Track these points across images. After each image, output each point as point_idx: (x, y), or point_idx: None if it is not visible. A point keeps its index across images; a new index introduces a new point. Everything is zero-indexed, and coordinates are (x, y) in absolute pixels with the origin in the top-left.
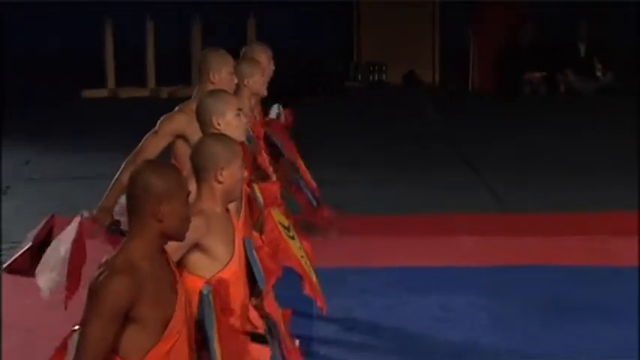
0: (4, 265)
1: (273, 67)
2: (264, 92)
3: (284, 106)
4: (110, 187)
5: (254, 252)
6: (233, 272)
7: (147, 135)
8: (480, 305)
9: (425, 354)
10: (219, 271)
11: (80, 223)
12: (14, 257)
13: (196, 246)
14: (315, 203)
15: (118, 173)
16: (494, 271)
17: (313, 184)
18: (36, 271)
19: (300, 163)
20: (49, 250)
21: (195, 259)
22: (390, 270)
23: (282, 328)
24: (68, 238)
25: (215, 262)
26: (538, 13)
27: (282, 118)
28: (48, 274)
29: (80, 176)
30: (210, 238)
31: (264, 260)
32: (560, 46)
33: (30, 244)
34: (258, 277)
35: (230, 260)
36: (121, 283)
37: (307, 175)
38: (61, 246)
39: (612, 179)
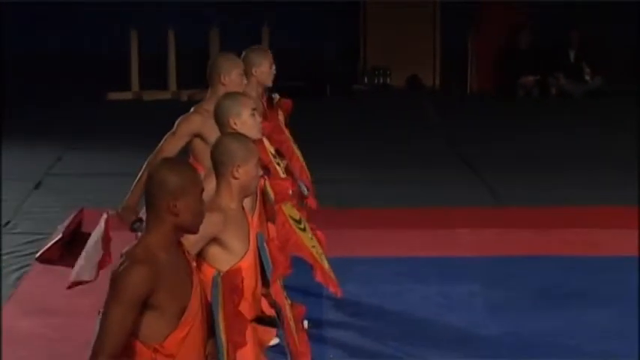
0: (37, 255)
1: (275, 71)
2: (270, 83)
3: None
4: (133, 185)
5: (265, 245)
6: (247, 265)
7: (166, 135)
8: (479, 293)
9: (429, 337)
10: (235, 264)
11: (106, 221)
12: (45, 248)
13: (214, 240)
14: (306, 192)
15: (140, 172)
16: (492, 261)
17: (307, 176)
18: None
19: (296, 159)
20: (85, 251)
21: (214, 252)
22: (395, 260)
23: (287, 312)
24: (98, 236)
25: (231, 255)
26: (538, 16)
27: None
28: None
29: (107, 172)
30: (226, 233)
31: (273, 251)
32: (553, 50)
33: (60, 235)
34: (267, 269)
35: (245, 254)
36: (140, 272)
37: (305, 171)
38: (93, 242)
39: (606, 176)
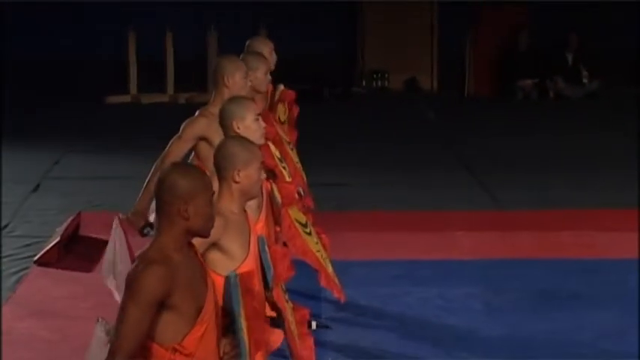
0: (35, 258)
1: (276, 57)
2: (263, 89)
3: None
4: (142, 190)
5: (266, 249)
6: (247, 271)
7: (172, 139)
8: (477, 296)
9: (428, 339)
10: (235, 269)
11: (119, 224)
12: (44, 251)
13: (214, 245)
14: (302, 193)
15: (149, 177)
16: (489, 264)
17: (302, 178)
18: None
19: (290, 159)
20: (108, 259)
21: (214, 257)
22: (393, 263)
23: (287, 315)
24: (119, 241)
25: (232, 260)
26: (536, 18)
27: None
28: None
29: (105, 176)
30: (226, 238)
31: (274, 255)
32: (550, 53)
33: (58, 239)
34: (268, 273)
35: (245, 259)
36: (156, 273)
37: (299, 174)
38: (116, 250)
39: (605, 179)
